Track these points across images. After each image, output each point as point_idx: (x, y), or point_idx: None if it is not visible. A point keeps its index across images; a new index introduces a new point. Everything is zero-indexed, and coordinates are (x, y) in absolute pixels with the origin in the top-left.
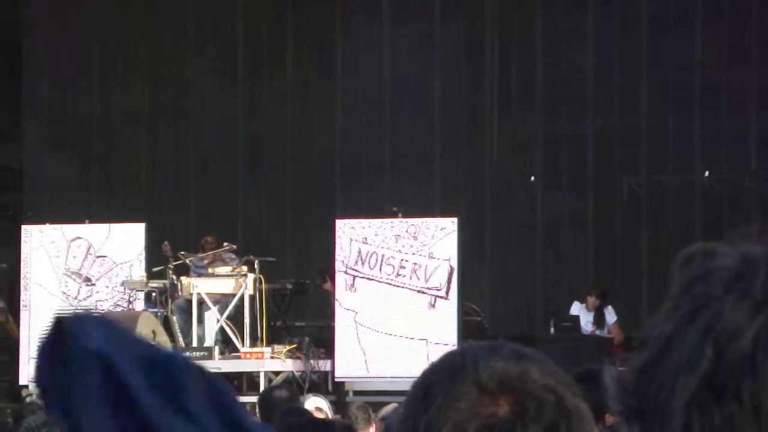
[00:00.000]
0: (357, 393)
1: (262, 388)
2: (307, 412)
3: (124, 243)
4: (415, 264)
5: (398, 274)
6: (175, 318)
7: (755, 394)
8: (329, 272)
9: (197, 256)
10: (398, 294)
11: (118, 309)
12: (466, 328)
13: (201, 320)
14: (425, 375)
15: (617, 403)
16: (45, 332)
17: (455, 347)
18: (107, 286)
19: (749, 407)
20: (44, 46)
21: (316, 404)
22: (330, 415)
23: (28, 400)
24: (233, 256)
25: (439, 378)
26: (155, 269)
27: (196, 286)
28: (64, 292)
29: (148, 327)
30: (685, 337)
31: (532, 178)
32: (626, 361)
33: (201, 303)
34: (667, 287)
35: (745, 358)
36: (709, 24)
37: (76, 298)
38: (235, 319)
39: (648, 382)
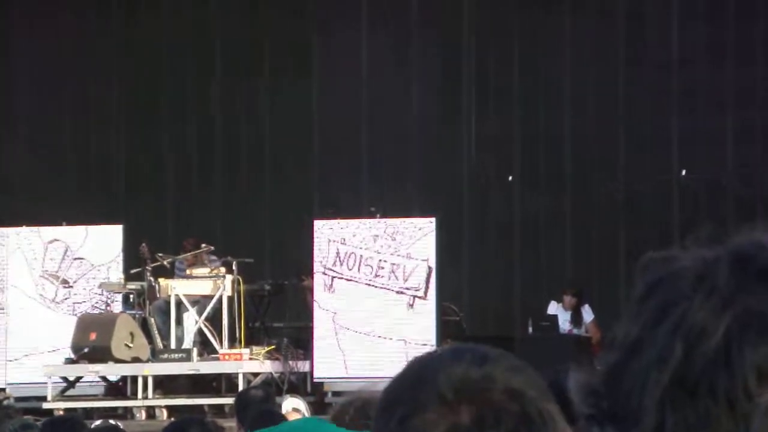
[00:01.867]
0: (336, 394)
1: (240, 389)
2: (279, 416)
3: (101, 245)
4: (394, 264)
5: (377, 275)
6: (153, 320)
7: (730, 389)
8: (306, 270)
9: (178, 258)
10: (377, 294)
11: (96, 311)
12: (444, 328)
13: (179, 322)
14: (389, 388)
15: (585, 407)
16: None
17: (432, 348)
18: (85, 288)
19: (724, 402)
20: (22, 49)
21: (294, 405)
22: (307, 416)
23: (4, 403)
24: (213, 257)
25: (401, 390)
26: (133, 271)
27: (174, 288)
28: (41, 295)
29: (126, 329)
30: (654, 337)
31: (510, 177)
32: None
33: (179, 304)
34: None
35: (718, 353)
36: (685, 23)
37: (53, 301)
38: (214, 320)
39: (618, 383)
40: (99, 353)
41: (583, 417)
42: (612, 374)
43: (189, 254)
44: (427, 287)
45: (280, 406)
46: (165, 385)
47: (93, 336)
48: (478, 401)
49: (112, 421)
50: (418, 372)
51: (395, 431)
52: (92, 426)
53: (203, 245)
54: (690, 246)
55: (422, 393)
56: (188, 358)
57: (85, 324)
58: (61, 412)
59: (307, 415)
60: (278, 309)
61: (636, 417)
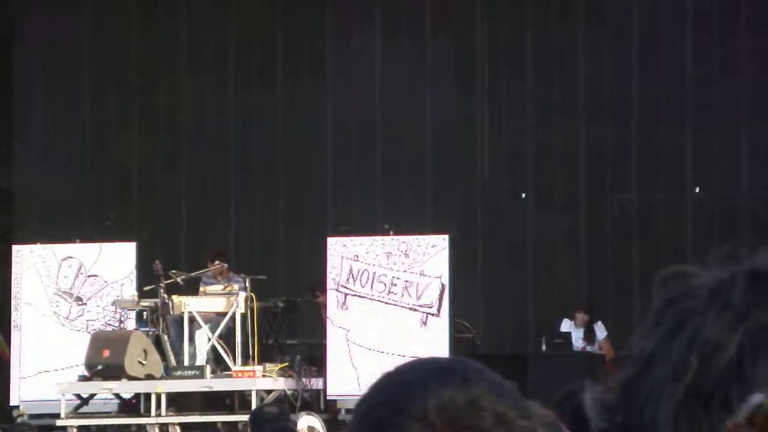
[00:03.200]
0: (349, 411)
1: (254, 406)
2: None
3: (115, 262)
4: (407, 281)
5: (390, 292)
6: (166, 337)
7: (743, 401)
8: (320, 287)
9: (203, 272)
10: (390, 311)
11: (110, 328)
12: (457, 345)
13: (192, 339)
14: (369, 406)
15: (600, 421)
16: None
17: (400, 365)
18: (98, 306)
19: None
20: (36, 66)
21: (309, 423)
22: None
23: (18, 420)
24: (238, 278)
25: (384, 414)
26: (146, 288)
27: (188, 305)
28: (55, 312)
29: (139, 346)
30: (669, 351)
31: (524, 195)
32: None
33: (192, 321)
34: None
35: (732, 367)
36: (699, 38)
37: (67, 318)
38: (227, 337)
39: (632, 397)
40: (112, 370)
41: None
42: (626, 388)
43: (204, 271)
44: (440, 304)
45: (295, 423)
46: (178, 402)
47: (106, 353)
48: (468, 428)
49: None
50: (397, 396)
51: None
52: None
53: (217, 263)
54: (707, 264)
55: (406, 421)
56: (201, 376)
57: (99, 341)
58: (75, 430)
59: None
60: (291, 326)
61: (650, 430)
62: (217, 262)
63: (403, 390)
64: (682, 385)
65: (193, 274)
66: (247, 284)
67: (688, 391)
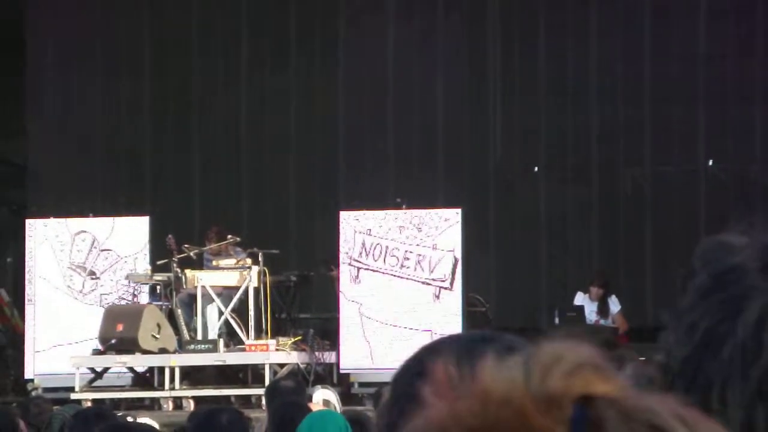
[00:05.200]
0: (362, 385)
1: (267, 380)
2: (305, 409)
3: (128, 236)
4: (420, 255)
5: (402, 266)
6: (179, 311)
7: None
8: (335, 261)
9: (204, 249)
10: (402, 285)
11: (123, 302)
12: (470, 319)
13: (205, 313)
14: (411, 373)
15: None
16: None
17: (439, 338)
18: (112, 280)
19: None
20: (48, 42)
21: (324, 396)
22: (338, 408)
23: (33, 393)
24: (239, 249)
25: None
26: (159, 262)
27: (201, 279)
28: (68, 286)
29: (152, 320)
30: (734, 330)
31: (536, 169)
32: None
33: (205, 296)
34: (672, 277)
35: None
36: (713, 16)
37: (80, 292)
38: (240, 311)
39: (693, 378)
40: (126, 344)
41: None
42: (685, 368)
43: (214, 245)
44: (453, 278)
45: (310, 397)
46: (192, 376)
47: (120, 327)
48: None
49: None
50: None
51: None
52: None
53: (229, 236)
54: (748, 232)
55: None
56: (215, 349)
57: (113, 315)
58: (89, 403)
59: (337, 406)
60: (304, 300)
61: (720, 413)
62: (229, 237)
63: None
64: (758, 367)
65: (205, 248)
66: (260, 258)
67: (765, 374)
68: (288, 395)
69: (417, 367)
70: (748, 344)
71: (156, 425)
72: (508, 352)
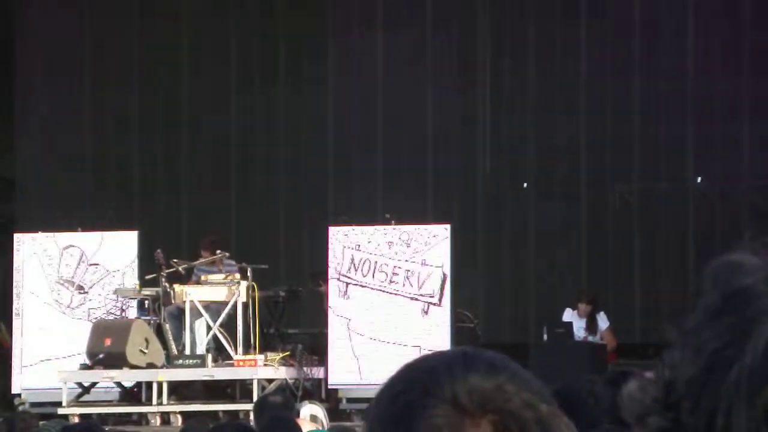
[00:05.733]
0: (350, 400)
1: (255, 395)
2: (293, 423)
3: (116, 251)
4: (408, 271)
5: (391, 281)
6: (167, 326)
7: None
8: (324, 276)
9: (194, 264)
10: (391, 301)
11: (111, 317)
12: (459, 334)
13: (194, 328)
14: (394, 393)
15: (661, 419)
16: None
17: (420, 356)
18: (100, 294)
19: None
20: (38, 55)
21: (312, 411)
22: (326, 423)
23: (20, 408)
24: (231, 262)
25: (413, 399)
26: (148, 277)
27: (189, 294)
28: (56, 300)
29: (140, 335)
30: (742, 353)
31: (525, 185)
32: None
33: (194, 310)
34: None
35: None
36: (701, 32)
37: (68, 306)
38: (228, 326)
39: (698, 398)
40: (114, 359)
41: (654, 428)
42: (691, 388)
43: (206, 260)
44: (441, 294)
45: (298, 412)
46: (180, 391)
47: (108, 342)
48: (501, 413)
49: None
50: (431, 379)
51: None
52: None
53: (218, 252)
54: (758, 252)
55: (436, 404)
56: (203, 364)
57: (100, 330)
58: (76, 418)
59: (325, 422)
60: (293, 315)
61: None
62: (218, 252)
63: (430, 376)
64: (764, 394)
65: (195, 263)
66: (249, 273)
67: None
68: (276, 410)
69: (399, 386)
70: (755, 369)
71: None
72: (491, 370)
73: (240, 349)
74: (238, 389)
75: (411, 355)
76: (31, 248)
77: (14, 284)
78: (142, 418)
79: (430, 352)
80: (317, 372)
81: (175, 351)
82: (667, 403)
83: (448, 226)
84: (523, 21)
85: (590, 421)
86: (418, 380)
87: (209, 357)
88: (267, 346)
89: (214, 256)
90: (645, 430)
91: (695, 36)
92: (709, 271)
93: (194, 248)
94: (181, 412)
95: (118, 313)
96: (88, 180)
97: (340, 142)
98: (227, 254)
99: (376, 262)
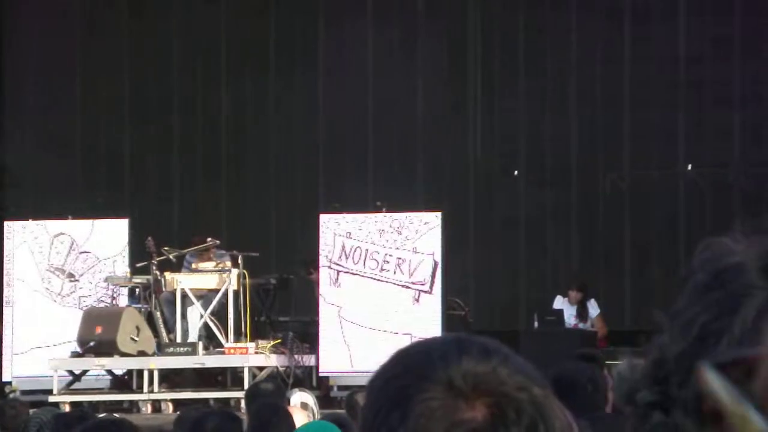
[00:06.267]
0: (341, 388)
1: (246, 383)
2: (283, 410)
3: (107, 239)
4: (399, 258)
5: (382, 269)
6: (158, 314)
7: None
8: (314, 264)
9: (185, 252)
10: (382, 289)
11: (102, 305)
12: (450, 322)
13: (185, 316)
14: (388, 377)
15: (650, 394)
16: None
17: (412, 342)
18: (91, 282)
19: None
20: (27, 41)
21: (302, 399)
22: (316, 411)
23: (10, 396)
24: (222, 251)
25: (407, 382)
26: (139, 265)
27: (180, 282)
28: (47, 288)
29: (131, 323)
30: (730, 326)
31: (516, 172)
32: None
33: (185, 298)
34: (650, 282)
35: None
36: (692, 18)
37: (59, 294)
38: (219, 314)
39: (687, 372)
40: (105, 347)
41: (644, 404)
42: (681, 362)
43: (196, 248)
44: (432, 281)
45: (288, 400)
46: (171, 378)
47: (99, 330)
48: (495, 395)
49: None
50: (424, 363)
51: (396, 425)
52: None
53: (209, 239)
54: (745, 236)
55: (431, 387)
56: (194, 352)
57: (91, 318)
58: (67, 406)
59: (315, 409)
60: (284, 303)
61: None
62: (209, 239)
63: (424, 360)
64: None
65: (185, 251)
66: (240, 261)
67: None
68: (268, 398)
69: (393, 370)
70: (744, 341)
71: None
72: (484, 354)
73: (231, 336)
74: (229, 377)
75: (402, 343)
76: (22, 236)
77: (4, 272)
78: (133, 406)
79: (425, 338)
80: (308, 360)
81: (166, 339)
82: (656, 378)
83: (439, 214)
84: (513, 10)
85: (589, 406)
86: (412, 364)
87: (200, 345)
88: (258, 333)
89: (206, 244)
90: (634, 407)
91: (686, 22)
92: (697, 254)
93: (188, 236)
94: (172, 400)
95: (109, 300)
96: (78, 168)
97: (331, 130)
98: (218, 242)
99: (367, 250)
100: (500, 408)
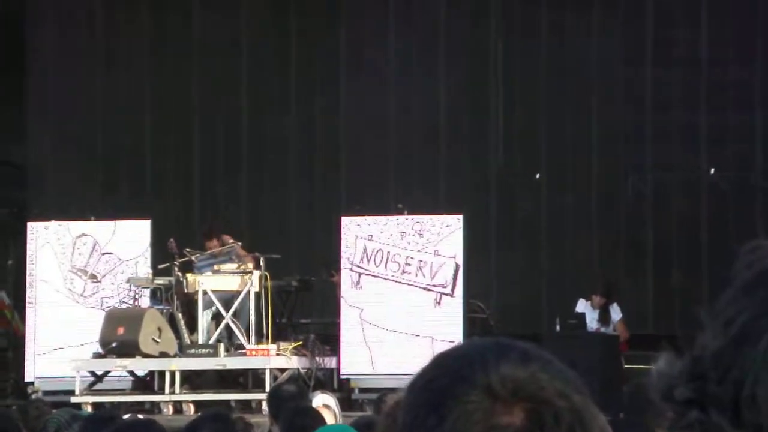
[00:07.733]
0: (362, 390)
1: (267, 385)
2: (314, 412)
3: (129, 240)
4: (421, 261)
5: (404, 272)
6: (180, 315)
7: None
8: (335, 266)
9: (207, 253)
10: (404, 291)
11: (124, 306)
12: (471, 325)
13: (206, 317)
14: (427, 380)
15: (688, 391)
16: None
17: (455, 344)
18: (113, 283)
19: None
20: (50, 42)
21: (324, 401)
22: (338, 412)
23: (33, 397)
24: (244, 252)
25: (445, 385)
26: (161, 266)
27: (202, 283)
28: (69, 289)
29: (153, 324)
30: None
31: (537, 175)
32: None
33: (206, 300)
34: (672, 285)
35: None
36: (715, 20)
37: (81, 295)
38: (240, 316)
39: (727, 369)
40: (126, 348)
41: (681, 401)
42: (719, 360)
43: (216, 250)
44: (454, 284)
45: (310, 401)
46: (192, 380)
47: (121, 331)
48: (534, 401)
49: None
50: (463, 367)
51: (434, 428)
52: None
53: (230, 241)
54: None
55: (469, 390)
56: (215, 354)
57: (113, 319)
58: (89, 407)
59: (337, 411)
60: (305, 305)
61: (750, 405)
62: (231, 241)
63: (463, 363)
64: None
65: (207, 252)
66: (261, 263)
67: None
68: (291, 400)
69: (432, 373)
70: None
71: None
72: (524, 359)
73: (252, 338)
74: (250, 379)
75: (423, 346)
76: (45, 237)
77: (28, 273)
78: (155, 407)
79: (462, 342)
80: (329, 362)
81: (187, 340)
82: (694, 374)
83: (460, 217)
84: (535, 11)
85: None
86: (451, 367)
87: (221, 346)
88: (279, 335)
89: (228, 246)
90: (671, 404)
91: (708, 24)
92: (743, 254)
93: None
94: (194, 401)
95: (131, 302)
96: (101, 169)
97: (352, 132)
98: (240, 243)
99: (388, 252)
100: (538, 414)
